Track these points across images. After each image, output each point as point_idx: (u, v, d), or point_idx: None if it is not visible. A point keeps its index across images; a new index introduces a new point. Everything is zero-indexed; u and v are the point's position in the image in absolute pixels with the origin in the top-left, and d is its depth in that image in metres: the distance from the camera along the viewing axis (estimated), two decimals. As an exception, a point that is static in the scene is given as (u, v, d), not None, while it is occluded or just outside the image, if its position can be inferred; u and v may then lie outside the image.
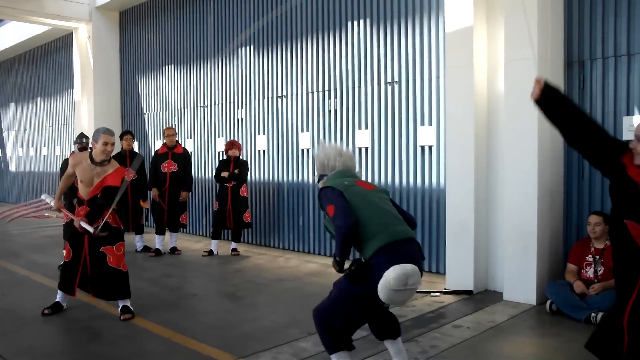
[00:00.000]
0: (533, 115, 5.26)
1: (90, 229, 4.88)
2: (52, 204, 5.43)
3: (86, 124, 11.97)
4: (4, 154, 17.89)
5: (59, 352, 4.30)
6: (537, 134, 5.27)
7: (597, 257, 4.99)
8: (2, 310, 5.39)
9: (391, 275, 3.01)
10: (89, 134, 8.10)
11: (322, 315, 3.36)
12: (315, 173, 3.74)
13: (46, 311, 5.20)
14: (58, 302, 5.30)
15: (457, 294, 5.74)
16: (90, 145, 5.11)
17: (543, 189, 5.36)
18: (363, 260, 3.22)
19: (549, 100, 2.98)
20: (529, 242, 5.34)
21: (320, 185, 3.58)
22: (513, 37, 5.42)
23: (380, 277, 3.06)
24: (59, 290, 5.25)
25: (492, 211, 5.88)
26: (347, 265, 3.27)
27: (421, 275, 3.19)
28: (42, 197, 5.71)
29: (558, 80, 5.53)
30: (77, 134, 8.68)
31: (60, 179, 7.00)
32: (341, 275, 3.31)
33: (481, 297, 5.68)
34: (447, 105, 6.01)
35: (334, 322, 3.32)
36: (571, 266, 5.15)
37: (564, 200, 5.68)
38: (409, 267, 3.07)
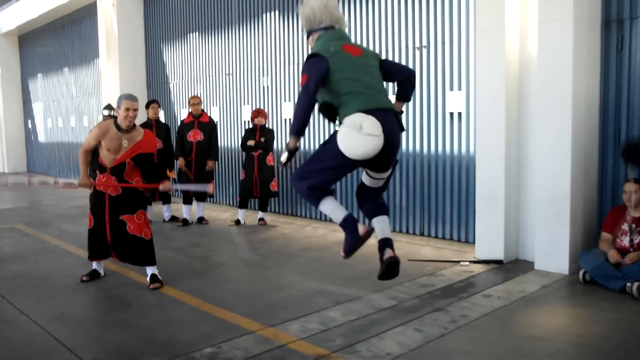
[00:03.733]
0: (567, 78, 5.06)
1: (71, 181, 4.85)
2: (76, 182, 5.25)
3: (112, 93, 11.98)
4: (33, 124, 18.13)
5: (90, 319, 4.37)
6: (571, 97, 5.06)
7: (634, 225, 4.83)
8: (35, 278, 5.49)
9: (347, 119, 3.24)
10: (115, 103, 8.11)
11: (300, 176, 3.47)
12: (304, 30, 3.70)
13: (84, 278, 5.27)
14: (95, 269, 5.37)
15: (486, 263, 5.66)
16: (115, 113, 5.08)
17: (577, 154, 5.18)
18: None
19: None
20: (562, 209, 5.19)
21: (310, 42, 3.62)
22: (547, -3, 5.19)
23: None
24: None
25: (523, 178, 5.73)
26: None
27: (397, 143, 3.42)
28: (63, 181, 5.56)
29: (594, 41, 5.30)
30: (104, 103, 8.70)
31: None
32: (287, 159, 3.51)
33: (511, 266, 5.59)
34: (477, 70, 5.81)
35: (312, 180, 3.41)
36: (605, 234, 5.01)
37: (598, 166, 5.49)
38: (367, 116, 3.21)
